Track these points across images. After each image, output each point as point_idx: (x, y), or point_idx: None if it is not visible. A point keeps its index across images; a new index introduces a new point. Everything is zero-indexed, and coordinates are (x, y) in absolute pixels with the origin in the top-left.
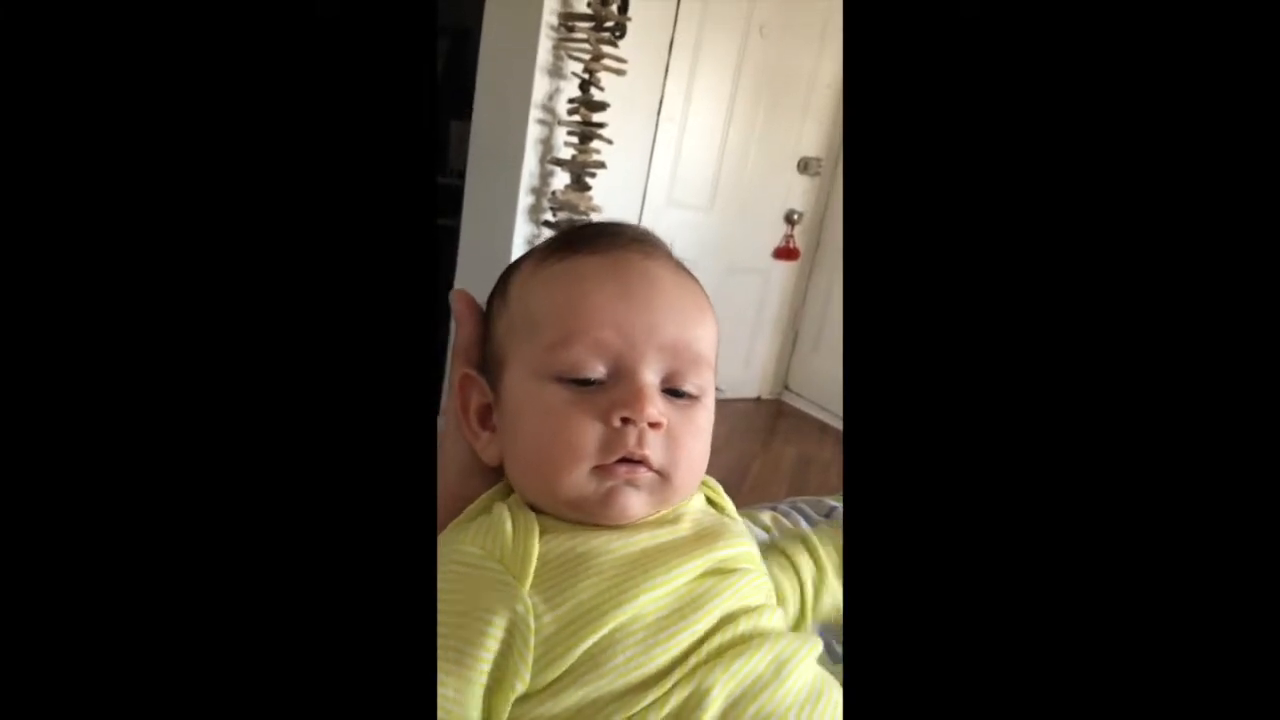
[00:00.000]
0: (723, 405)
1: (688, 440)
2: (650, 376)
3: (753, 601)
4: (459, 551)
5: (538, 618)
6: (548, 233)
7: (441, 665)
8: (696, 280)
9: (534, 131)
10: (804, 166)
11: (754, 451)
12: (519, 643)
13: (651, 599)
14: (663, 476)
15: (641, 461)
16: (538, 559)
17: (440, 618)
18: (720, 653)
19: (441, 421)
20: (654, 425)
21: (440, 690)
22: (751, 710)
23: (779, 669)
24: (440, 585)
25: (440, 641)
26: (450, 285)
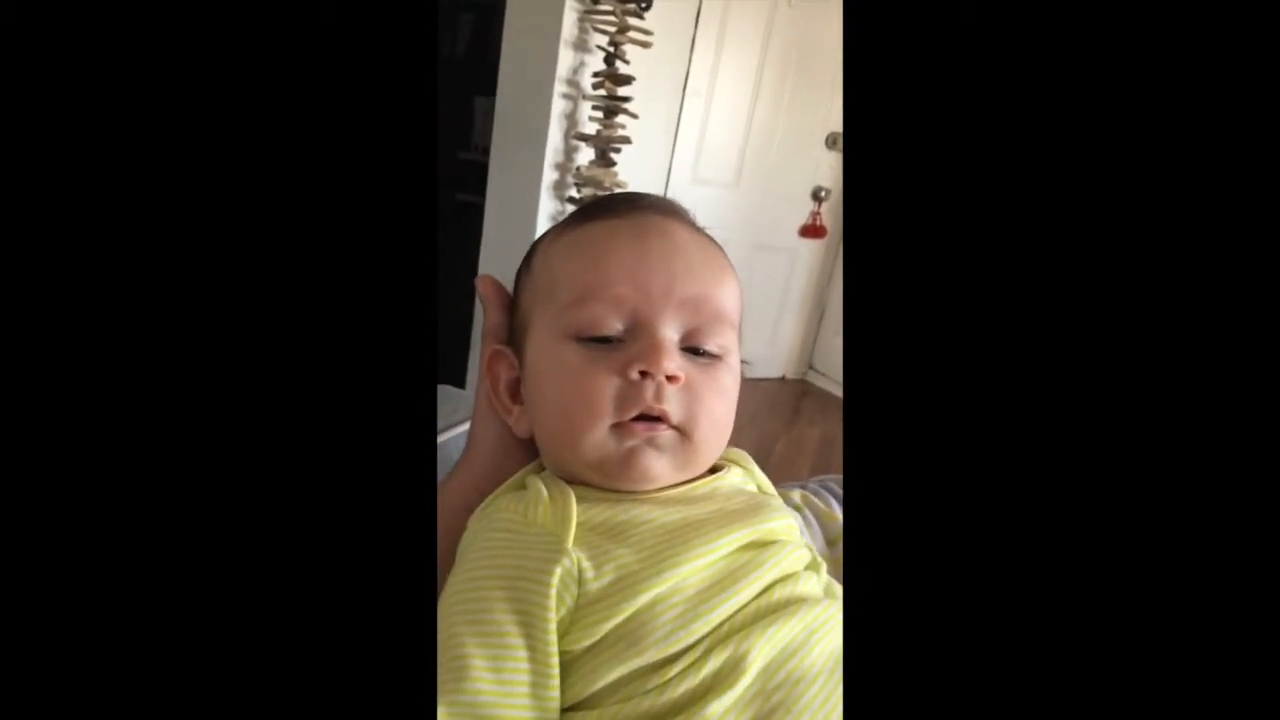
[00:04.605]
0: (747, 384)
1: (708, 397)
2: (669, 332)
3: (791, 569)
4: (498, 520)
5: (582, 572)
6: (572, 209)
7: (508, 625)
8: (718, 245)
9: (558, 106)
10: (832, 142)
11: (778, 431)
12: (573, 592)
13: (693, 569)
14: (683, 434)
15: (660, 418)
16: (576, 525)
17: (494, 582)
18: (758, 617)
19: (444, 398)
20: (671, 379)
21: (513, 655)
22: (782, 675)
23: (809, 635)
24: (486, 552)
25: (505, 604)
26: (475, 260)
